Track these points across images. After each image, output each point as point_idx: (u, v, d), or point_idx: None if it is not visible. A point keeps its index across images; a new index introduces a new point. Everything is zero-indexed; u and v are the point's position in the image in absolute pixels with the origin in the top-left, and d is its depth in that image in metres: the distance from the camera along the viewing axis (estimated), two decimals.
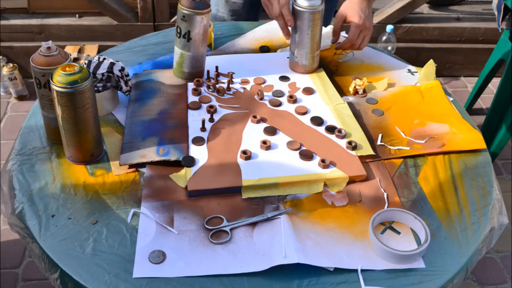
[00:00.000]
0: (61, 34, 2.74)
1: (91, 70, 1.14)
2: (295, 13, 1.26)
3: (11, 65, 2.60)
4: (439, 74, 2.97)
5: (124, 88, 1.19)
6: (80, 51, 2.68)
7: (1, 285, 1.80)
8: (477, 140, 1.15)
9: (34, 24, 2.72)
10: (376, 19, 2.81)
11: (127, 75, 1.19)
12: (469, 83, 2.99)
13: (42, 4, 2.76)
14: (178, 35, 1.23)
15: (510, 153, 2.52)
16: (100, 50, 2.72)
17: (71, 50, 2.67)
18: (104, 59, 1.17)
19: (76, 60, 2.59)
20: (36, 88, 1.03)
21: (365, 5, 1.34)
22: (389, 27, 2.65)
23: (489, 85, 2.70)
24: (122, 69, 1.17)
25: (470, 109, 2.72)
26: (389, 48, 2.63)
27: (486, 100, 2.83)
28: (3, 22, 2.71)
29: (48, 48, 1.02)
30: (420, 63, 1.41)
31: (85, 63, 1.16)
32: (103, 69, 1.14)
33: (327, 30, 1.48)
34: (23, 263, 1.88)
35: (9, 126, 2.49)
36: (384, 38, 2.66)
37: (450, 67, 2.99)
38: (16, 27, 2.72)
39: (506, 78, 2.19)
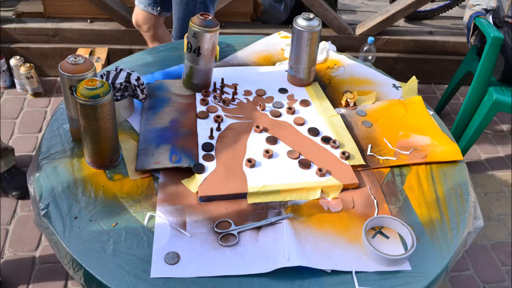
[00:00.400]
0: (74, 38, 2.68)
1: (110, 81, 1.11)
2: (295, 32, 1.24)
3: (28, 65, 2.54)
4: None
5: (141, 96, 1.16)
6: (91, 53, 2.63)
7: (19, 268, 1.77)
8: (455, 152, 1.15)
9: (49, 27, 2.66)
10: (359, 31, 2.80)
11: (143, 84, 1.16)
12: (438, 90, 3.00)
13: (57, 10, 2.70)
14: (189, 50, 1.20)
15: (474, 154, 2.54)
16: (109, 52, 2.67)
17: (83, 52, 2.61)
18: (121, 69, 1.14)
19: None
20: (68, 93, 1.00)
21: None
22: (370, 39, 2.64)
23: (457, 93, 2.71)
24: (138, 79, 1.15)
25: (440, 114, 2.73)
26: (370, 57, 2.62)
27: (454, 106, 2.84)
28: (21, 25, 2.65)
29: (75, 57, 0.99)
30: (396, 71, 1.40)
31: (103, 73, 1.13)
32: (121, 79, 1.12)
33: (321, 45, 1.46)
34: (39, 247, 1.85)
35: (26, 121, 2.44)
36: (365, 48, 2.65)
37: (423, 75, 2.99)
38: (33, 30, 2.65)
39: (473, 90, 2.19)
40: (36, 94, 2.62)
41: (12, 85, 2.66)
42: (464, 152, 2.33)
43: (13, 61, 2.56)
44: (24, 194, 2.05)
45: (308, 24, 1.22)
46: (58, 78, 2.62)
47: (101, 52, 2.66)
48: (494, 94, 2.07)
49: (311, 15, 1.23)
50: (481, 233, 2.11)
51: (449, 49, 2.92)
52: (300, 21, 1.23)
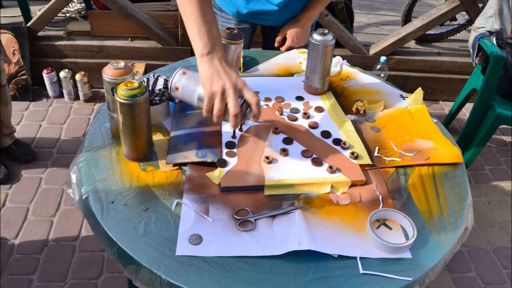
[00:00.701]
0: (116, 54, 2.77)
1: (150, 87, 1.15)
2: (311, 46, 1.27)
3: (82, 72, 2.65)
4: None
5: (177, 100, 1.20)
6: None
7: (61, 255, 1.82)
8: (456, 155, 1.15)
9: (95, 44, 2.75)
10: (372, 51, 2.81)
11: None
12: (446, 107, 2.98)
13: (102, 29, 2.79)
14: None
15: (478, 165, 2.51)
16: (147, 67, 2.74)
17: None
18: (159, 76, 1.18)
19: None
20: (109, 94, 1.05)
21: None
22: (383, 58, 2.64)
23: (463, 109, 2.69)
24: None
25: (447, 128, 2.70)
26: (382, 75, 2.62)
27: (460, 121, 2.82)
28: (70, 42, 2.75)
29: (117, 63, 1.04)
30: (407, 89, 1.41)
31: (143, 80, 1.17)
32: (160, 85, 1.16)
33: (335, 60, 1.49)
34: (80, 237, 1.90)
35: (72, 126, 2.52)
36: (378, 67, 2.65)
37: (431, 93, 2.98)
38: (80, 47, 2.75)
39: (478, 105, 2.18)
40: (87, 100, 2.71)
41: (61, 95, 2.76)
42: (469, 163, 2.30)
43: (62, 74, 2.66)
44: (33, 158, 2.26)
45: (323, 39, 1.25)
46: (102, 90, 2.72)
47: (140, 67, 2.73)
48: (497, 109, 2.06)
49: (326, 31, 1.26)
50: (484, 238, 2.08)
51: (456, 69, 2.91)
52: (316, 36, 1.25)
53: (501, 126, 2.31)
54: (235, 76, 0.98)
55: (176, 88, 1.04)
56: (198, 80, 1.02)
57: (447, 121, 2.68)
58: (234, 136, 1.14)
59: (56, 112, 2.65)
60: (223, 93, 0.96)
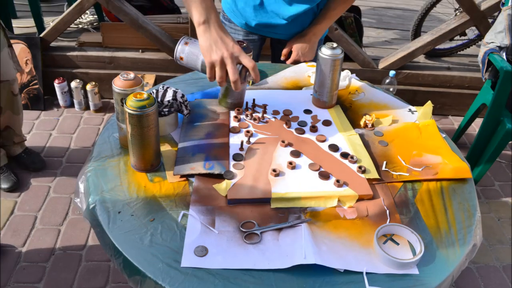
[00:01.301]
0: (127, 65, 2.80)
1: (159, 98, 1.16)
2: (320, 59, 1.27)
3: (93, 83, 2.68)
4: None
5: (185, 111, 1.21)
6: None
7: (67, 264, 1.82)
8: (464, 171, 1.14)
9: (106, 55, 2.78)
10: (381, 65, 2.81)
11: (187, 100, 1.21)
12: (456, 121, 2.96)
13: (113, 41, 2.83)
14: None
15: (488, 181, 2.48)
16: (157, 79, 2.76)
17: None
18: (168, 88, 1.19)
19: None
20: (118, 105, 1.06)
21: None
22: (392, 72, 2.65)
23: (473, 124, 2.67)
24: (182, 96, 1.19)
25: (456, 143, 2.69)
26: (391, 89, 2.63)
27: (469, 136, 2.80)
28: (82, 53, 2.79)
29: (127, 74, 1.05)
30: (416, 103, 1.40)
31: (152, 92, 1.18)
32: (168, 96, 1.16)
33: (344, 74, 1.49)
34: (86, 247, 1.91)
35: (81, 136, 2.54)
36: (387, 81, 2.66)
37: (441, 108, 2.97)
38: (92, 58, 2.79)
39: (487, 120, 2.16)
40: (96, 110, 2.74)
41: (71, 105, 2.79)
42: (478, 178, 2.28)
43: (73, 84, 2.69)
44: (42, 166, 2.28)
45: (332, 53, 1.25)
46: (112, 100, 2.74)
47: (150, 78, 2.76)
48: (507, 124, 2.04)
49: (334, 45, 1.26)
50: (494, 255, 2.05)
51: (466, 84, 2.90)
52: (325, 50, 1.26)
53: (511, 142, 2.29)
54: (231, 44, 1.07)
55: (181, 58, 1.14)
56: (199, 48, 1.11)
57: (456, 136, 2.66)
58: (241, 148, 1.14)
59: (66, 121, 2.67)
60: (222, 61, 1.06)
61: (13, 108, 2.09)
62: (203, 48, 1.08)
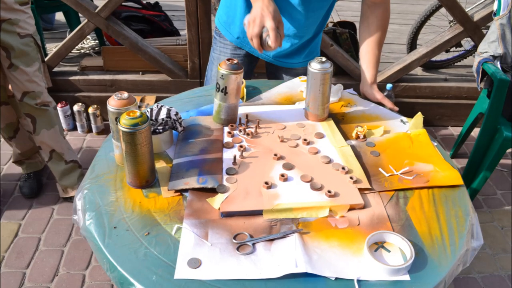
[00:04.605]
0: (128, 87, 2.85)
1: (153, 117, 1.19)
2: (310, 74, 1.30)
3: (95, 105, 2.73)
4: (430, 124, 2.97)
5: (179, 128, 1.24)
6: (142, 100, 2.78)
7: (71, 284, 1.84)
8: (455, 178, 1.16)
9: (107, 79, 2.84)
10: (378, 78, 2.84)
11: (180, 118, 1.24)
12: (455, 132, 2.97)
13: (114, 64, 2.88)
14: (217, 89, 1.28)
15: (490, 190, 2.48)
16: (157, 100, 2.81)
17: None
18: (162, 106, 1.22)
19: (139, 107, 2.72)
20: (113, 124, 1.09)
21: None
22: (389, 85, 2.66)
23: (472, 133, 2.68)
24: (176, 114, 1.23)
25: (457, 153, 2.69)
26: None
27: (469, 146, 2.80)
28: (84, 77, 2.85)
29: (121, 94, 1.09)
30: (413, 115, 1.42)
31: (147, 111, 1.22)
32: (162, 115, 1.20)
33: (336, 87, 1.52)
34: (89, 267, 1.92)
35: (84, 158, 2.58)
36: (384, 94, 2.67)
37: (440, 119, 2.99)
38: (93, 81, 2.84)
39: (484, 128, 2.18)
40: (99, 133, 2.79)
41: (74, 128, 2.84)
42: (479, 187, 2.28)
43: (76, 107, 2.74)
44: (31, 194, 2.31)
45: (321, 67, 1.28)
46: None
47: (150, 99, 2.80)
48: (504, 132, 2.05)
49: (323, 59, 1.29)
50: (498, 264, 2.04)
51: (463, 94, 2.92)
52: (314, 64, 1.29)
53: (511, 150, 2.29)
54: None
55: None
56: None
57: (456, 146, 2.67)
58: (235, 163, 1.17)
59: (70, 144, 2.71)
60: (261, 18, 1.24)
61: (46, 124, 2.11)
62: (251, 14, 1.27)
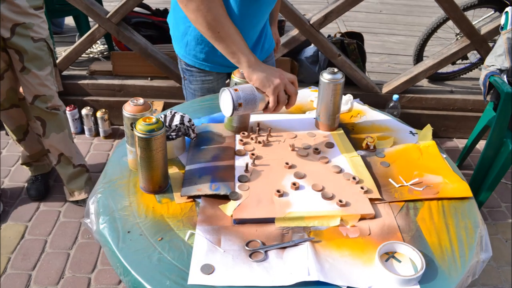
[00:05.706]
0: (136, 92, 2.87)
1: (167, 123, 1.21)
2: (321, 84, 1.32)
3: (103, 110, 2.75)
4: (435, 135, 2.98)
5: (192, 135, 1.25)
6: None
7: (76, 287, 1.84)
8: (465, 190, 1.16)
9: (116, 83, 2.86)
10: (384, 89, 2.86)
11: (193, 125, 1.25)
12: (460, 144, 2.98)
13: (123, 69, 2.91)
14: None
15: (494, 203, 2.48)
16: (165, 105, 2.83)
17: None
18: (175, 113, 1.24)
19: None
20: (128, 129, 1.11)
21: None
22: (395, 96, 2.69)
23: (477, 146, 2.69)
24: (190, 120, 1.24)
25: (461, 165, 2.70)
26: (395, 113, 2.66)
27: (474, 158, 2.81)
28: (93, 81, 2.87)
29: (137, 100, 1.10)
30: (420, 126, 1.43)
31: (161, 117, 1.23)
32: (176, 121, 1.21)
33: (346, 98, 1.53)
34: (95, 270, 1.93)
35: (91, 161, 2.59)
36: (391, 105, 2.70)
37: (445, 130, 3.00)
38: (102, 86, 2.86)
39: (490, 141, 2.18)
40: (106, 137, 2.80)
41: (82, 131, 2.86)
42: (484, 200, 2.28)
43: (84, 111, 2.76)
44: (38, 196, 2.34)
45: (333, 77, 1.30)
46: (122, 127, 2.81)
47: (158, 105, 2.82)
48: (510, 145, 2.06)
49: (335, 70, 1.31)
50: (503, 277, 2.04)
51: (469, 107, 2.93)
52: (326, 75, 1.30)
53: None
54: (278, 69, 1.22)
55: (240, 104, 1.16)
56: (251, 87, 1.19)
57: (461, 159, 2.68)
58: (247, 170, 1.18)
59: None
60: (282, 85, 1.19)
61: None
62: (262, 80, 1.18)
